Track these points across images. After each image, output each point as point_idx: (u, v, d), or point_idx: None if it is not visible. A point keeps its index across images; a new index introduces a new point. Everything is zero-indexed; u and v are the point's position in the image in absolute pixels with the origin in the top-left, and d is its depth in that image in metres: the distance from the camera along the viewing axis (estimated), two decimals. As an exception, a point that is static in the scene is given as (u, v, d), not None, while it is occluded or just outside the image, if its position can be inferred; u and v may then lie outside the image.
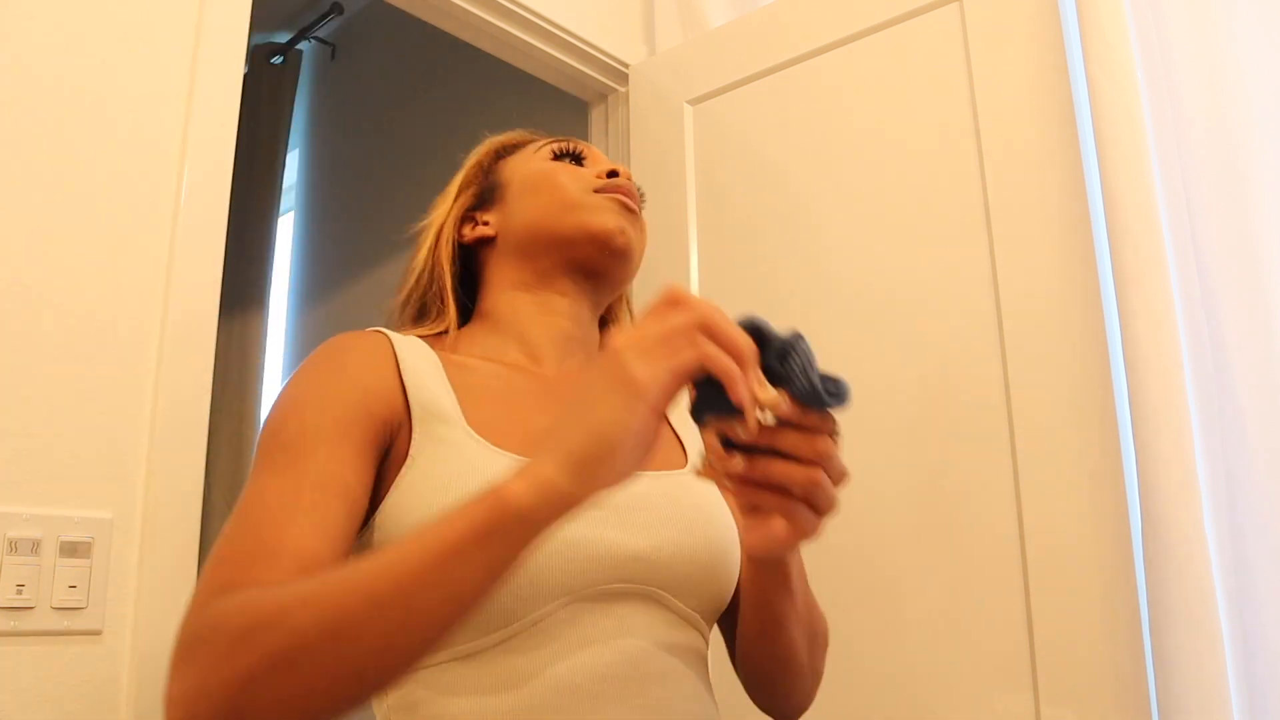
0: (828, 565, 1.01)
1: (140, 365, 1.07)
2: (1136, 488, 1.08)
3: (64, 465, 0.99)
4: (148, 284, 1.09)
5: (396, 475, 0.69)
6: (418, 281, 0.90)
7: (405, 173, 2.46)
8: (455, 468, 0.69)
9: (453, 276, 0.90)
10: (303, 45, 2.75)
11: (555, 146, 0.92)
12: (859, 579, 1.30)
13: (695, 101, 1.69)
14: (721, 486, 0.60)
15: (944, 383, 1.29)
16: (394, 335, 0.78)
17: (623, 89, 1.84)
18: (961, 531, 1.23)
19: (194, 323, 1.11)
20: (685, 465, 0.85)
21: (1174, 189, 1.16)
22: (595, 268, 0.86)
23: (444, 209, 0.93)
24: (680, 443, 0.89)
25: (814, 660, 0.81)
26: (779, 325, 0.60)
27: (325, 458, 0.66)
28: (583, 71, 1.79)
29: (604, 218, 0.85)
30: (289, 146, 2.67)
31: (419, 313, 0.90)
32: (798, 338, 0.58)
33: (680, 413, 0.92)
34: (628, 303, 1.01)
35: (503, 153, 0.96)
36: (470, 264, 0.94)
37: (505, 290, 0.88)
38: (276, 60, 2.70)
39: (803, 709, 0.83)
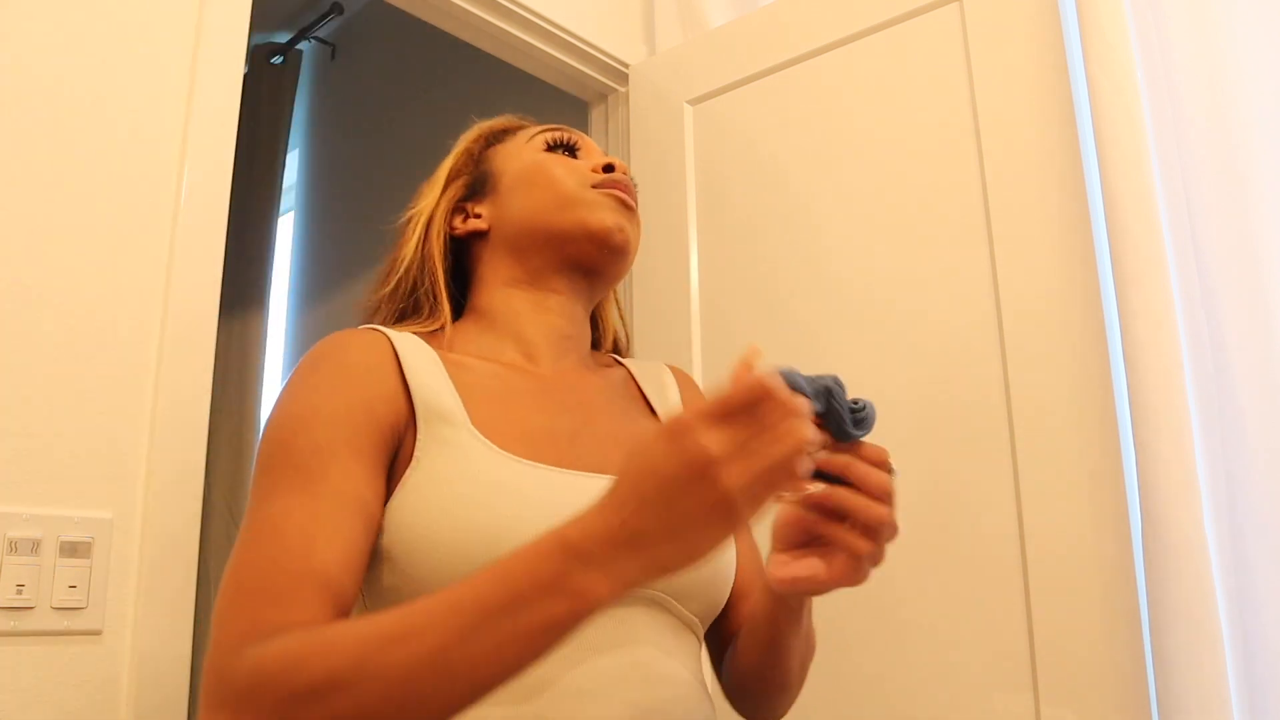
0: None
1: (140, 365, 1.07)
2: (1136, 488, 1.08)
3: (64, 465, 0.99)
4: (148, 284, 1.09)
5: (401, 476, 0.69)
6: (406, 274, 0.87)
7: (405, 173, 2.45)
8: (461, 470, 0.69)
9: (445, 271, 0.87)
10: (303, 45, 2.75)
11: (549, 136, 0.89)
12: (859, 579, 1.30)
13: (695, 101, 1.69)
14: (784, 516, 0.63)
15: (944, 382, 1.29)
16: (392, 334, 0.76)
17: (623, 89, 1.84)
18: (961, 531, 1.23)
19: (194, 323, 1.11)
20: None
21: (1174, 189, 1.16)
22: (592, 265, 0.85)
23: (432, 198, 0.90)
24: None
25: (802, 677, 0.82)
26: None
27: (339, 475, 0.65)
28: (583, 71, 1.79)
29: (602, 215, 0.83)
30: (289, 146, 2.67)
31: (408, 307, 0.87)
32: (835, 383, 0.58)
33: (671, 412, 0.92)
34: (616, 298, 1.00)
35: (492, 139, 0.93)
36: (460, 257, 0.91)
37: (499, 287, 0.86)
38: (276, 60, 2.70)
39: (783, 716, 0.84)
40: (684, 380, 0.97)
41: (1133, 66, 1.15)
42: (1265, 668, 1.04)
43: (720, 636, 0.84)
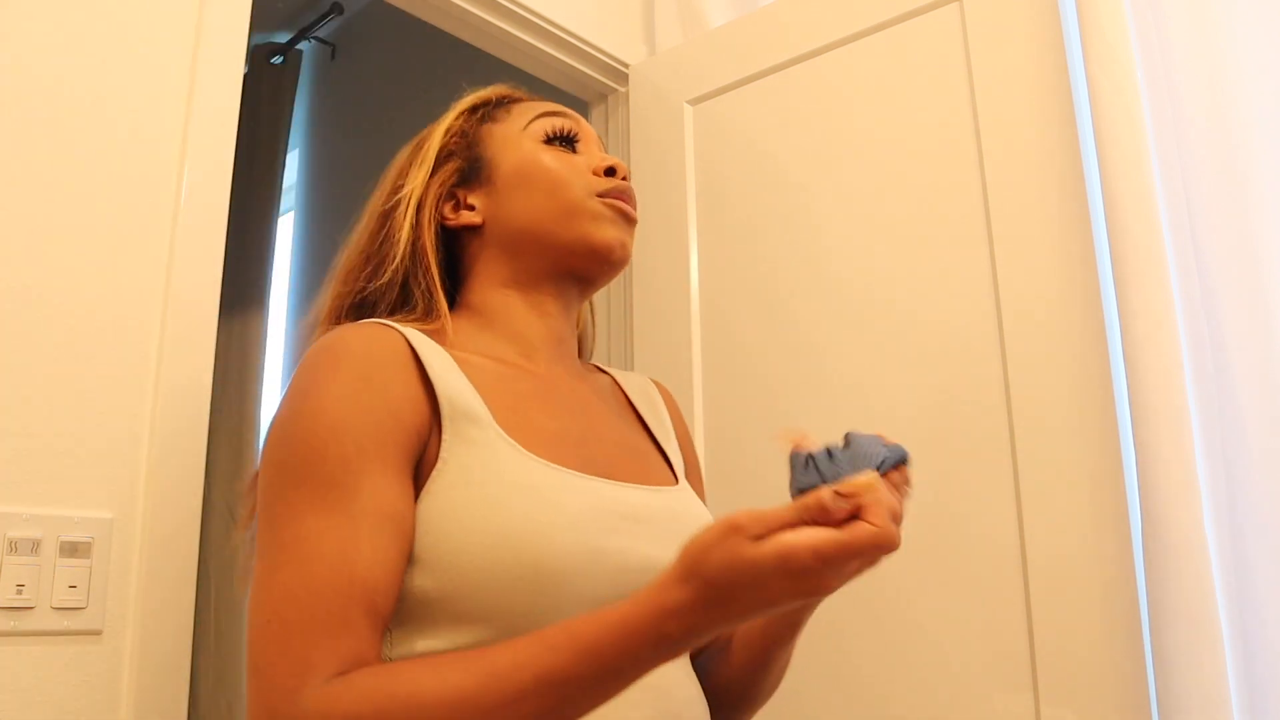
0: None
1: (140, 365, 1.07)
2: (1136, 488, 1.08)
3: (64, 465, 0.99)
4: (148, 284, 1.09)
5: (427, 478, 0.67)
6: (400, 265, 0.81)
7: (405, 173, 2.45)
8: (492, 472, 0.67)
9: (438, 265, 0.83)
10: (303, 45, 2.75)
11: (548, 125, 0.85)
12: (859, 577, 1.30)
13: (695, 101, 1.69)
14: None
15: (944, 382, 1.29)
16: (406, 330, 0.73)
17: (623, 89, 1.84)
18: (961, 531, 1.23)
19: (194, 323, 1.11)
20: (674, 481, 0.85)
21: (1174, 189, 1.16)
22: (589, 276, 0.84)
23: (420, 179, 0.84)
24: (665, 458, 0.88)
25: (778, 684, 0.83)
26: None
27: (371, 490, 0.63)
28: (583, 71, 1.79)
29: (607, 231, 0.81)
30: (289, 146, 2.67)
31: (398, 300, 0.82)
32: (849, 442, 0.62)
33: (662, 426, 0.92)
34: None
35: (486, 115, 0.88)
36: (449, 245, 0.86)
37: (494, 286, 0.83)
38: (276, 60, 2.70)
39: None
40: (669, 399, 0.97)
41: (1133, 66, 1.15)
42: (1265, 668, 1.04)
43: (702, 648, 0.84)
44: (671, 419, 0.95)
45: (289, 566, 0.60)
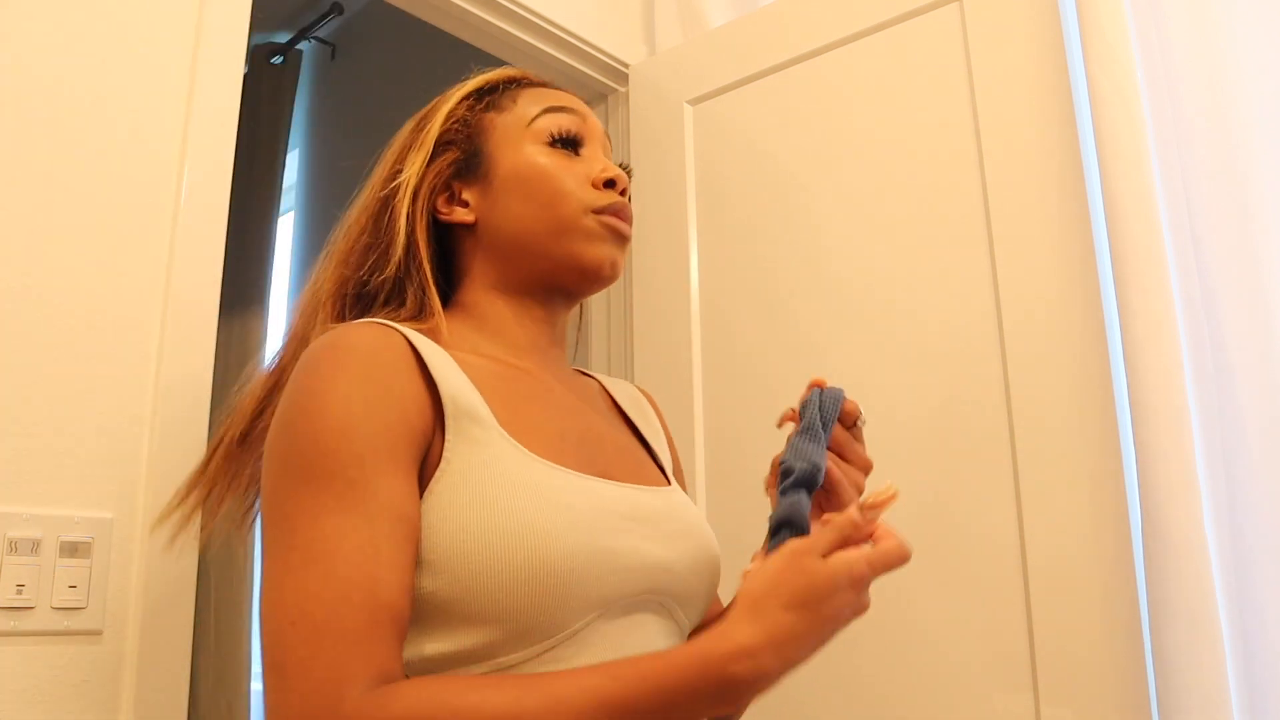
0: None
1: (140, 365, 1.07)
2: (1136, 488, 1.08)
3: (64, 465, 0.99)
4: (148, 284, 1.09)
5: (430, 479, 0.66)
6: (395, 259, 0.79)
7: (405, 173, 2.45)
8: (497, 473, 0.66)
9: (431, 262, 0.81)
10: (303, 45, 2.75)
11: (552, 124, 0.82)
12: (859, 579, 1.30)
13: (695, 101, 1.69)
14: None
15: (944, 382, 1.29)
16: (404, 330, 0.72)
17: (623, 89, 1.84)
18: (961, 530, 1.23)
19: (194, 322, 1.11)
20: (666, 481, 0.85)
21: (1174, 189, 1.16)
22: (576, 291, 0.83)
23: (417, 166, 0.82)
24: (655, 458, 0.89)
25: None
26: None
27: (386, 490, 0.62)
28: (583, 71, 1.79)
29: (598, 251, 0.79)
30: (289, 146, 2.67)
31: (393, 293, 0.80)
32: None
33: (650, 428, 0.92)
34: None
35: (491, 103, 0.85)
36: (440, 238, 0.84)
37: (485, 288, 0.82)
38: (276, 60, 2.70)
39: None
40: (653, 402, 0.98)
41: (1133, 66, 1.15)
42: (1265, 668, 1.04)
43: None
44: (664, 426, 0.96)
45: (310, 567, 0.59)
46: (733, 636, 0.58)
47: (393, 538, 0.61)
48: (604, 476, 0.74)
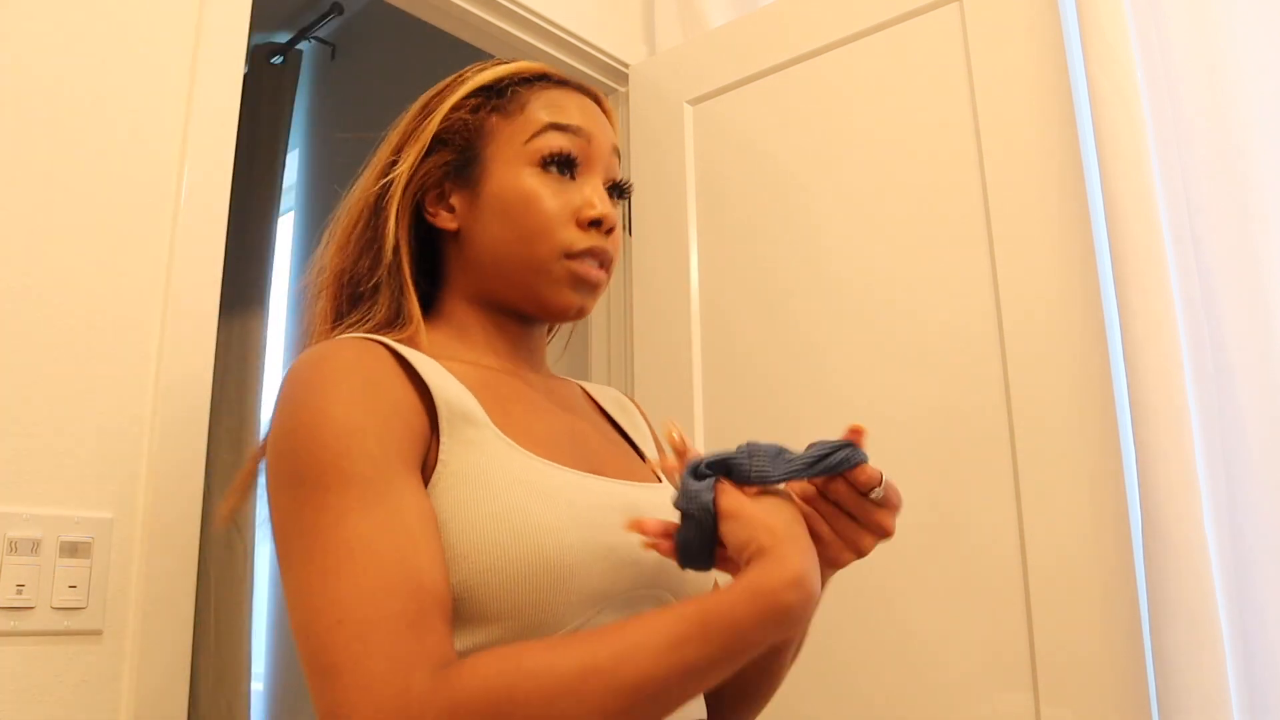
0: (828, 565, 1.01)
1: (140, 365, 1.07)
2: (1136, 488, 1.08)
3: (64, 465, 0.99)
4: (148, 284, 1.09)
5: (428, 483, 0.66)
6: (385, 262, 0.78)
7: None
8: (496, 472, 0.66)
9: (413, 264, 0.79)
10: (303, 45, 2.74)
11: (552, 144, 0.79)
12: (858, 576, 1.30)
13: (695, 101, 1.69)
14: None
15: (944, 382, 1.29)
16: (384, 340, 0.71)
17: (623, 89, 1.84)
18: (961, 531, 1.23)
19: (194, 322, 1.11)
20: (656, 479, 0.85)
21: (1174, 189, 1.16)
22: (543, 319, 0.84)
23: (410, 161, 0.80)
24: (640, 454, 0.89)
25: (777, 687, 0.84)
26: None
27: (403, 488, 0.62)
28: (583, 71, 1.79)
29: (564, 298, 0.78)
30: (289, 146, 2.67)
31: (370, 294, 0.78)
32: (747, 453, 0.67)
33: (636, 429, 0.93)
34: None
35: (497, 107, 0.81)
36: (423, 240, 0.83)
37: (465, 299, 0.82)
38: (276, 60, 2.70)
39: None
40: (641, 410, 0.98)
41: (1133, 66, 1.15)
42: (1265, 668, 1.04)
43: None
44: (652, 431, 0.96)
45: (345, 567, 0.58)
46: (778, 569, 0.58)
47: (424, 529, 0.61)
48: (597, 474, 0.74)
